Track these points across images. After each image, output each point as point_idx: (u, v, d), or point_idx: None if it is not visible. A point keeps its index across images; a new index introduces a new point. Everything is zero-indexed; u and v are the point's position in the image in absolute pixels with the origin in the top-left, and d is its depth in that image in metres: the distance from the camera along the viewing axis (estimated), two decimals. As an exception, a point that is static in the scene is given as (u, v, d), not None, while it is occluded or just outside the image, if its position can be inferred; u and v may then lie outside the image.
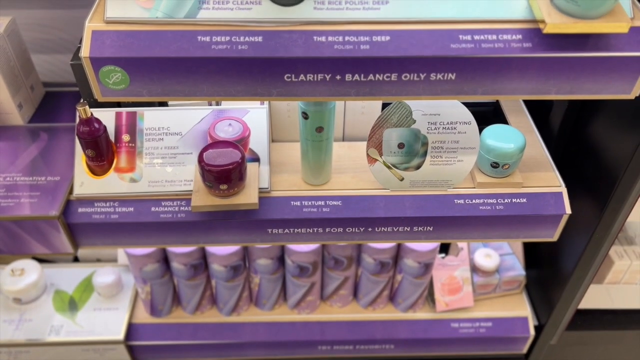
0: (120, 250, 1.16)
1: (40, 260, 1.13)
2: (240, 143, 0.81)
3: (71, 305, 1.08)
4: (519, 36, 0.61)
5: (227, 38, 0.61)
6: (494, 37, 0.61)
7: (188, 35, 0.61)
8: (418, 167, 0.80)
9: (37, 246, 0.83)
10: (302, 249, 0.96)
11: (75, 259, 1.20)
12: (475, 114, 0.77)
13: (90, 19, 0.62)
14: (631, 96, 0.65)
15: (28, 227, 0.80)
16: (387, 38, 0.61)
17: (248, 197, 0.78)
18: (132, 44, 0.61)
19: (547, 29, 0.58)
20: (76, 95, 1.01)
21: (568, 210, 0.81)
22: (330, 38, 0.61)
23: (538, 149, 0.89)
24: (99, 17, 0.62)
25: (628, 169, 0.79)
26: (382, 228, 0.83)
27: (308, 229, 0.83)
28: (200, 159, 0.75)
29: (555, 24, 0.58)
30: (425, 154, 0.79)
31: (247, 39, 0.61)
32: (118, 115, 0.83)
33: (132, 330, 1.07)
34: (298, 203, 0.82)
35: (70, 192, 0.81)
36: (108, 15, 0.61)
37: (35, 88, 0.97)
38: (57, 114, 0.96)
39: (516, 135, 0.81)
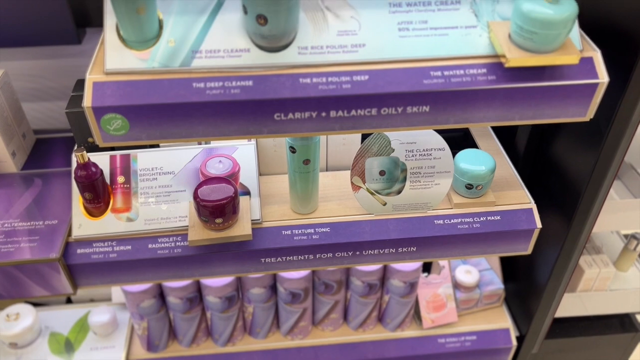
0: (115, 288, 1.18)
1: (34, 304, 1.14)
2: (231, 178, 0.85)
3: (67, 346, 1.09)
4: (484, 70, 0.67)
5: (220, 83, 0.66)
6: (462, 72, 0.67)
7: (184, 82, 0.66)
8: (399, 192, 0.86)
9: (37, 289, 0.86)
10: (294, 275, 1.00)
11: (69, 300, 1.21)
12: (447, 140, 0.84)
13: (90, 71, 0.66)
14: (586, 118, 0.72)
15: (28, 271, 0.83)
16: (366, 77, 0.67)
17: (242, 229, 0.82)
18: (131, 92, 0.65)
19: (510, 63, 0.65)
20: (66, 140, 1.05)
21: (539, 225, 0.88)
22: (314, 79, 0.66)
23: (507, 169, 0.96)
24: (98, 69, 0.66)
25: (590, 183, 0.86)
26: (369, 251, 0.88)
27: (299, 256, 0.87)
28: (196, 195, 0.79)
29: (516, 58, 0.65)
30: (404, 179, 0.85)
31: (238, 83, 0.66)
32: (112, 158, 0.87)
33: (129, 367, 1.09)
34: (289, 232, 0.86)
35: (69, 234, 0.84)
36: (108, 67, 0.66)
37: (27, 136, 1.01)
38: (49, 159, 0.99)
39: (486, 158, 0.88)
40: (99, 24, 0.88)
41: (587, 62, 0.68)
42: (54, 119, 1.11)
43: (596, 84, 0.68)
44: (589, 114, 0.71)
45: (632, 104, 0.76)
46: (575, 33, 0.68)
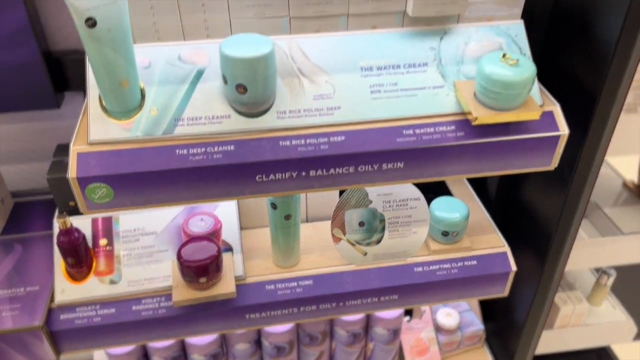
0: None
1: (12, 371, 1.12)
2: (213, 236, 0.87)
3: (48, 413, 1.07)
4: (453, 127, 0.71)
5: (203, 149, 0.68)
6: (432, 129, 0.71)
7: (167, 150, 0.67)
8: (378, 241, 0.89)
9: (18, 358, 0.84)
10: (278, 329, 1.01)
11: (48, 365, 1.19)
12: (422, 186, 0.86)
13: (74, 142, 0.67)
14: (551, 167, 0.76)
15: (10, 340, 0.81)
16: (342, 138, 0.70)
17: (226, 287, 0.83)
18: (115, 162, 0.66)
19: (477, 121, 0.69)
20: (45, 203, 1.04)
21: (514, 268, 0.91)
22: (294, 142, 0.69)
23: (480, 214, 1.00)
24: (81, 140, 0.68)
25: (559, 224, 0.90)
26: (352, 301, 0.89)
27: (283, 310, 0.88)
28: (179, 256, 0.80)
29: (483, 116, 0.69)
30: (383, 229, 0.88)
31: (220, 148, 0.68)
32: (94, 221, 0.87)
33: None
34: (272, 287, 0.88)
35: (51, 299, 0.84)
36: (92, 138, 0.67)
37: (5, 201, 1.00)
38: (29, 223, 0.98)
39: (460, 206, 0.91)
40: (77, 87, 0.90)
41: (548, 116, 0.73)
42: (33, 181, 1.11)
43: (558, 136, 0.72)
44: (554, 163, 0.75)
45: (592, 151, 0.81)
46: (536, 90, 0.73)
